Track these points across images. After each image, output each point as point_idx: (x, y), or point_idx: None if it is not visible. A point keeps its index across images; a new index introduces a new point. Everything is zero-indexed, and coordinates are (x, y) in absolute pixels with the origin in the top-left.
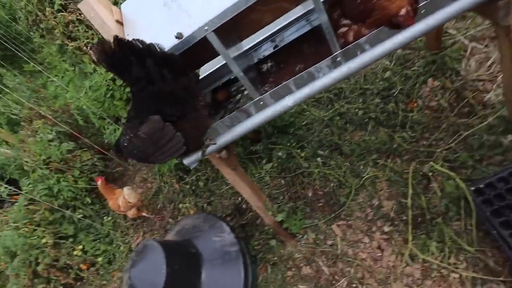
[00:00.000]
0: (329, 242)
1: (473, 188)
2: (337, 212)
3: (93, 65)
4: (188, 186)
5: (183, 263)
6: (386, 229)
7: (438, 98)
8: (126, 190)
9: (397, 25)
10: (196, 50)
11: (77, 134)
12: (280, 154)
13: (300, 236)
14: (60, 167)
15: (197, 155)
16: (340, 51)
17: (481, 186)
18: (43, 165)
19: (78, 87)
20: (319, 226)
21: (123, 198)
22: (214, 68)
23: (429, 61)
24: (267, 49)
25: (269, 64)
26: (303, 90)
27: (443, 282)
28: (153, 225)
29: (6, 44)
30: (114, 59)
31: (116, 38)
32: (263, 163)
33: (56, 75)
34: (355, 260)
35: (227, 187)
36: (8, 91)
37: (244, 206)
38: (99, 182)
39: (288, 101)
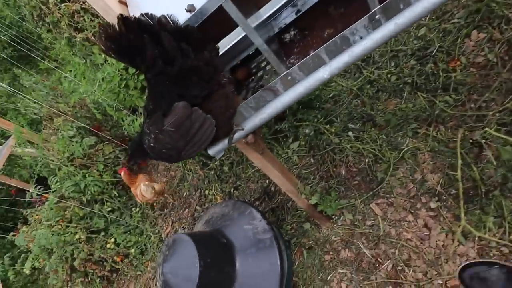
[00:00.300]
0: (369, 223)
1: None
2: (375, 190)
3: (103, 55)
4: (212, 172)
5: (216, 254)
6: (432, 205)
7: (485, 53)
8: (142, 186)
9: None
10: (210, 24)
11: (95, 130)
12: (307, 131)
13: (336, 217)
14: (84, 163)
15: (223, 144)
16: (379, 6)
17: None
18: (67, 162)
19: (91, 80)
20: (356, 206)
21: (140, 192)
22: (231, 44)
23: (471, 11)
24: (288, 16)
25: (292, 32)
26: (341, 58)
27: (504, 261)
28: (181, 214)
29: (19, 46)
30: (122, 43)
31: (120, 17)
32: (290, 142)
33: (69, 70)
34: (399, 240)
35: (253, 170)
36: (21, 93)
37: (272, 188)
38: (122, 173)
39: (323, 73)
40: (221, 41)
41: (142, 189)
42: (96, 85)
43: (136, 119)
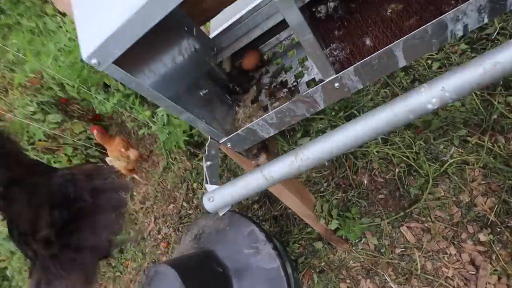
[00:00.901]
0: (398, 251)
1: None
2: (408, 210)
3: (58, 19)
4: (202, 163)
5: None
6: (482, 237)
7: None
8: (107, 159)
9: None
10: None
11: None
12: (321, 126)
13: (357, 239)
14: (49, 146)
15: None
16: None
17: None
18: (28, 146)
19: (46, 53)
20: (381, 227)
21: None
22: (236, 18)
23: None
24: None
25: (331, 4)
26: (470, 72)
27: None
28: (165, 210)
29: None
30: None
31: None
32: (298, 137)
33: (14, 40)
34: (437, 278)
35: None
36: None
37: None
38: (95, 132)
39: (427, 99)
40: (220, 13)
41: (108, 161)
42: (50, 59)
43: (108, 99)
